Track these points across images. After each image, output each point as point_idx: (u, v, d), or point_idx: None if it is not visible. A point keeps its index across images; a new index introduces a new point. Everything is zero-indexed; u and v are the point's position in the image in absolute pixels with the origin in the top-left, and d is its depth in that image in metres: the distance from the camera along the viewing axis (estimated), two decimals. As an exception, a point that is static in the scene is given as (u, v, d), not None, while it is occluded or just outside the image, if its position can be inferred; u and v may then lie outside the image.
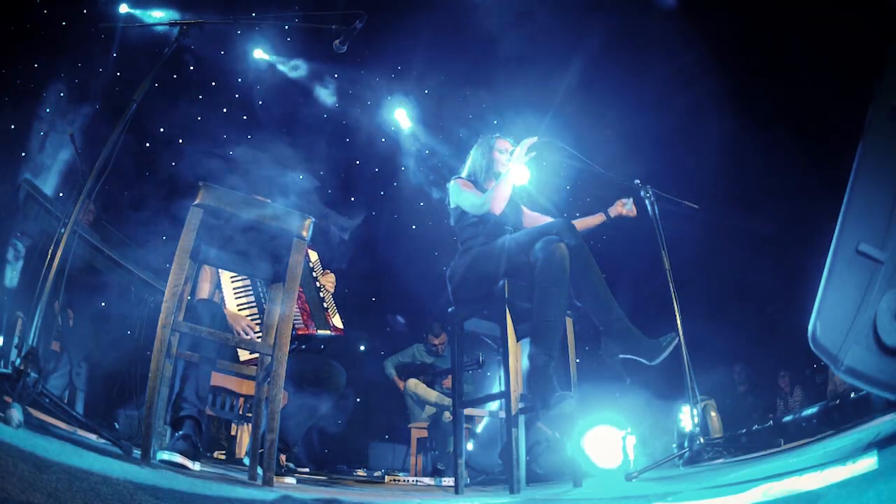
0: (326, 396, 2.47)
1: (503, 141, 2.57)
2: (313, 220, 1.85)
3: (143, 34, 4.21)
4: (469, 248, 2.32)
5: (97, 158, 1.78)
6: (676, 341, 1.98)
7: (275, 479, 1.61)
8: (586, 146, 3.03)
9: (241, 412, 2.68)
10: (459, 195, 2.42)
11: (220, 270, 2.58)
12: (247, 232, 1.81)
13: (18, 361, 1.46)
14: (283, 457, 2.33)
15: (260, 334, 2.25)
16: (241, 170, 3.11)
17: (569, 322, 2.28)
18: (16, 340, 2.24)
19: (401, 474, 3.59)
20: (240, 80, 5.60)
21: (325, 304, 2.57)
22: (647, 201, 2.80)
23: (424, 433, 3.87)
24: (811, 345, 0.97)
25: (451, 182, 2.49)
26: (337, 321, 2.59)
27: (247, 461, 2.22)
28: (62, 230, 1.68)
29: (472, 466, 3.69)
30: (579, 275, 2.00)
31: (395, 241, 6.17)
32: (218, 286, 2.58)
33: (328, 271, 2.75)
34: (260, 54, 5.59)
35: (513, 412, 1.94)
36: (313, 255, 2.73)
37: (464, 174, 2.59)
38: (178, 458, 1.82)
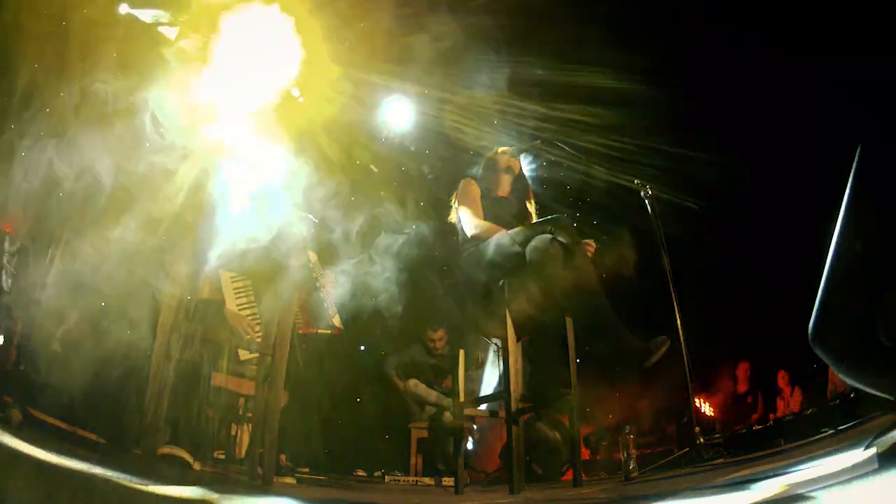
0: None
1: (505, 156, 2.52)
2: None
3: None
4: (469, 246, 2.32)
5: None
6: (668, 344, 1.95)
7: (275, 479, 1.61)
8: (587, 146, 3.02)
9: (240, 412, 2.68)
10: (461, 208, 2.36)
11: (220, 271, 2.58)
12: None
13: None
14: (283, 456, 2.34)
15: (260, 334, 2.25)
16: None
17: (568, 321, 2.27)
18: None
19: (401, 474, 3.59)
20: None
21: (325, 304, 2.57)
22: (646, 201, 2.80)
23: (424, 433, 3.86)
24: (811, 345, 0.97)
25: (462, 181, 2.45)
26: (336, 321, 2.59)
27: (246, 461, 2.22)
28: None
29: (472, 466, 3.69)
30: (574, 273, 1.99)
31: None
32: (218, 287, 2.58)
33: (327, 271, 2.75)
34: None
35: (513, 412, 1.94)
36: (313, 256, 2.73)
37: (475, 171, 2.51)
38: (180, 453, 1.82)
